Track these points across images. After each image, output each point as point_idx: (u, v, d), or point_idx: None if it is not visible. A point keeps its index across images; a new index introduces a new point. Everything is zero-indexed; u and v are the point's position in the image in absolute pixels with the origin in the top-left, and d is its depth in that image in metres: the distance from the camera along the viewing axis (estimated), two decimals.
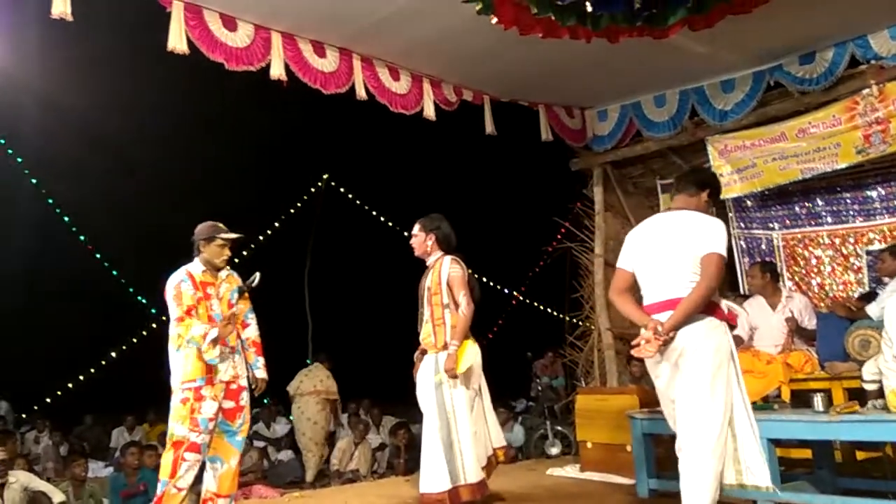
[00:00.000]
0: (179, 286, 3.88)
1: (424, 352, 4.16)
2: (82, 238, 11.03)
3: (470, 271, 4.26)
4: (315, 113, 9.54)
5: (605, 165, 7.25)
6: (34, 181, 10.79)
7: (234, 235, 4.05)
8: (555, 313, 11.62)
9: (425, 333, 4.14)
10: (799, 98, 5.74)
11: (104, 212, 11.51)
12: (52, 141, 10.64)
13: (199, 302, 3.90)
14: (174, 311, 3.86)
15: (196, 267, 4.00)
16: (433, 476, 3.87)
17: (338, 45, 5.14)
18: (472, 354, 4.04)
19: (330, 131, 11.43)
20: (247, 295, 4.18)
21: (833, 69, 5.44)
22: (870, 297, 5.41)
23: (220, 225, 4.07)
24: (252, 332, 4.19)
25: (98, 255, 11.18)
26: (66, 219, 10.93)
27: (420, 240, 4.24)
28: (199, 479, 4.00)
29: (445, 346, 4.01)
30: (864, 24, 5.24)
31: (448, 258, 4.15)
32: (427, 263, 4.25)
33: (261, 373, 4.13)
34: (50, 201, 10.88)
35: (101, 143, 11.01)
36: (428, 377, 4.04)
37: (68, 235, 10.99)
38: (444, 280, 4.09)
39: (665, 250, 3.14)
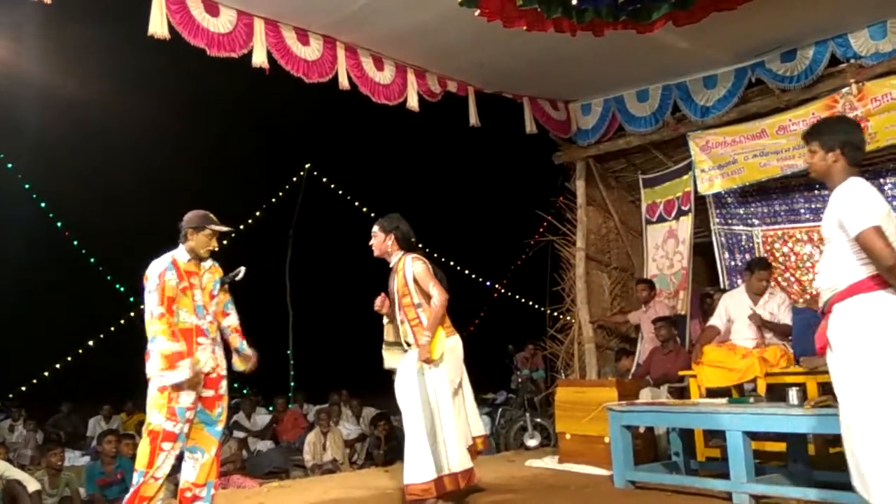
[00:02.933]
0: (164, 275, 3.80)
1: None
2: (59, 224, 10.87)
3: (441, 264, 4.30)
4: (297, 102, 9.48)
5: (588, 159, 7.28)
6: (9, 166, 10.60)
7: (224, 228, 3.99)
8: (536, 306, 11.67)
9: (403, 332, 4.16)
10: (780, 95, 5.80)
11: (82, 199, 11.37)
12: (29, 127, 10.47)
13: (184, 291, 3.84)
14: (153, 302, 3.76)
15: (181, 255, 3.93)
16: (418, 466, 3.88)
17: (321, 32, 5.09)
18: (444, 342, 4.07)
19: (312, 121, 11.36)
20: (226, 286, 4.15)
21: (814, 67, 5.50)
22: None
23: (212, 216, 4.00)
24: (233, 320, 4.14)
25: (76, 243, 11.02)
26: (43, 205, 10.76)
27: (380, 240, 4.25)
28: (176, 469, 3.97)
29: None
30: (845, 22, 5.30)
31: (409, 257, 4.16)
32: (390, 264, 4.26)
33: (248, 350, 4.10)
34: (26, 187, 10.70)
35: (80, 130, 10.85)
36: (410, 370, 4.05)
37: (46, 222, 10.83)
38: (410, 279, 4.11)
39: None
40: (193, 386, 3.76)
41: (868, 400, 2.61)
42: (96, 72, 10.01)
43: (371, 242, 4.28)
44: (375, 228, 4.28)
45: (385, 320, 4.37)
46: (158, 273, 3.80)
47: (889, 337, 2.60)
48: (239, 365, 4.12)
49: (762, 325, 5.05)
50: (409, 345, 4.12)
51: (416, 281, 4.09)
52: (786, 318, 5.07)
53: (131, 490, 3.74)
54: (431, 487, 3.85)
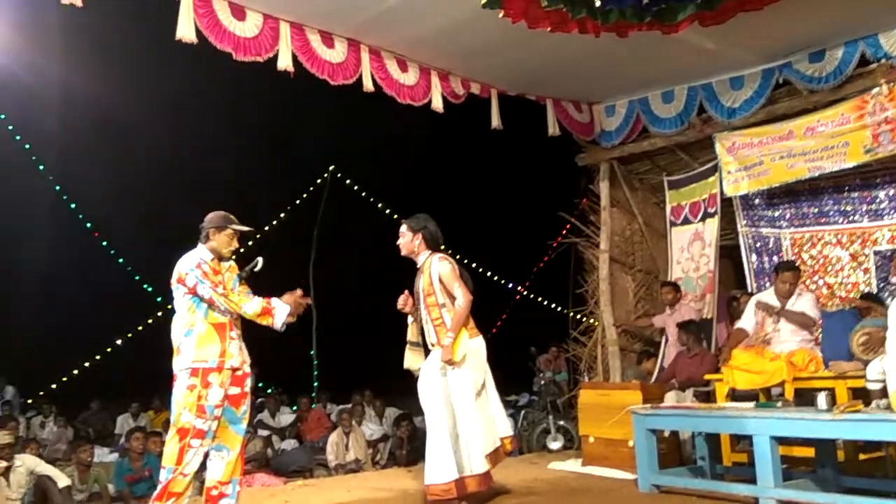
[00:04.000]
0: (201, 266, 3.87)
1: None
2: (89, 225, 11.07)
3: (464, 265, 4.33)
4: (322, 104, 9.55)
5: (612, 161, 7.24)
6: (41, 167, 10.83)
7: (245, 228, 4.06)
8: (559, 308, 11.62)
9: (428, 332, 4.18)
10: (807, 96, 5.72)
11: (111, 199, 11.57)
12: (60, 128, 10.69)
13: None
14: (207, 289, 3.82)
15: (205, 254, 4.00)
16: (439, 467, 3.89)
17: (346, 35, 5.14)
18: (466, 343, 4.07)
19: (336, 123, 11.44)
20: (244, 283, 4.21)
21: (843, 68, 5.41)
22: (871, 296, 5.40)
23: (232, 216, 4.07)
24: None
25: (105, 243, 11.22)
26: (73, 206, 10.96)
27: (407, 240, 4.26)
28: (202, 467, 4.03)
29: None
30: (875, 22, 5.21)
31: (436, 257, 4.18)
32: (417, 264, 4.27)
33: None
34: (57, 188, 10.92)
35: (109, 132, 11.06)
36: (433, 370, 4.06)
37: (75, 222, 11.03)
38: (436, 279, 4.12)
39: None
40: (222, 382, 3.83)
41: None
42: (128, 74, 10.19)
43: (399, 242, 4.29)
44: (403, 228, 4.30)
45: (410, 320, 4.38)
46: (196, 265, 3.87)
47: None
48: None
49: (784, 316, 4.95)
50: (432, 345, 4.13)
51: (441, 281, 4.10)
52: (814, 314, 4.98)
53: (160, 486, 3.80)
54: (452, 488, 3.86)
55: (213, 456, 3.95)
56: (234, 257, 4.13)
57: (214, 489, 3.94)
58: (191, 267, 3.89)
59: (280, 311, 3.83)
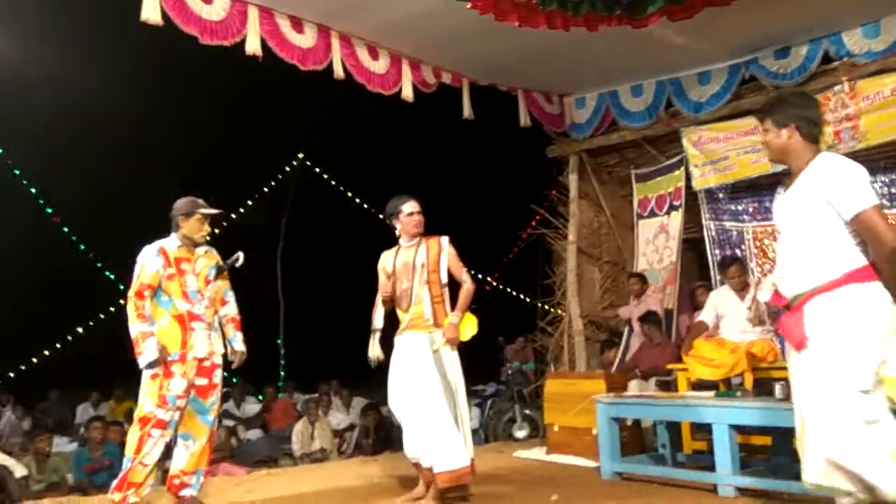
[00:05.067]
0: (144, 261, 3.87)
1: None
2: (49, 210, 10.79)
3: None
4: (291, 90, 9.43)
5: (581, 153, 7.30)
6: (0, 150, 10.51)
7: (213, 211, 4.02)
8: (527, 299, 11.71)
9: (417, 312, 4.03)
10: (772, 92, 5.81)
11: (73, 185, 11.28)
12: (19, 110, 10.37)
13: (171, 278, 3.88)
14: (133, 284, 3.84)
15: (171, 242, 3.97)
16: (451, 452, 3.78)
17: (316, 21, 5.07)
18: (473, 326, 4.06)
19: (306, 110, 11.31)
20: (226, 274, 4.16)
21: (807, 65, 5.52)
22: None
23: (200, 200, 4.03)
24: (230, 308, 4.18)
25: (66, 229, 10.95)
26: (33, 190, 10.68)
27: (422, 219, 4.18)
28: (166, 456, 3.98)
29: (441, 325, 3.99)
30: (839, 21, 5.32)
31: (445, 238, 4.14)
32: (405, 242, 4.18)
33: (239, 345, 4.12)
34: (16, 172, 10.61)
35: (71, 115, 10.77)
36: (424, 355, 3.94)
37: (35, 208, 10.75)
38: (444, 259, 4.07)
39: None
40: (185, 372, 3.78)
41: (847, 392, 2.40)
42: (87, 57, 9.93)
43: (417, 218, 4.13)
44: (418, 206, 4.17)
45: (378, 307, 4.28)
46: (142, 260, 3.87)
47: (877, 334, 2.40)
48: (230, 356, 4.14)
49: (759, 321, 5.08)
50: (427, 322, 4.00)
51: (449, 262, 4.07)
52: None
53: (119, 475, 3.76)
54: (468, 472, 3.83)
55: (179, 444, 3.93)
56: (207, 241, 4.06)
57: (177, 478, 3.91)
58: (140, 258, 3.89)
59: (146, 354, 3.72)
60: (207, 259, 4.05)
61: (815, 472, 2.52)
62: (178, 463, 3.92)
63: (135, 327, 3.76)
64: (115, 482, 3.79)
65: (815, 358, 2.50)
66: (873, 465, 2.36)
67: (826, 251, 2.50)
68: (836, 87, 5.36)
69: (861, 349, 2.41)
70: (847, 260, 2.47)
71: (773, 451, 4.39)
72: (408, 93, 5.61)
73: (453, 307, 4.09)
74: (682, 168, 6.48)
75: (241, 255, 4.10)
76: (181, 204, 3.99)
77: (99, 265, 10.98)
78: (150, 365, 3.74)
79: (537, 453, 5.73)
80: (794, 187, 2.63)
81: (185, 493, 3.94)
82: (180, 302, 3.87)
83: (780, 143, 2.63)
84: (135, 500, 3.77)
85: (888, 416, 2.42)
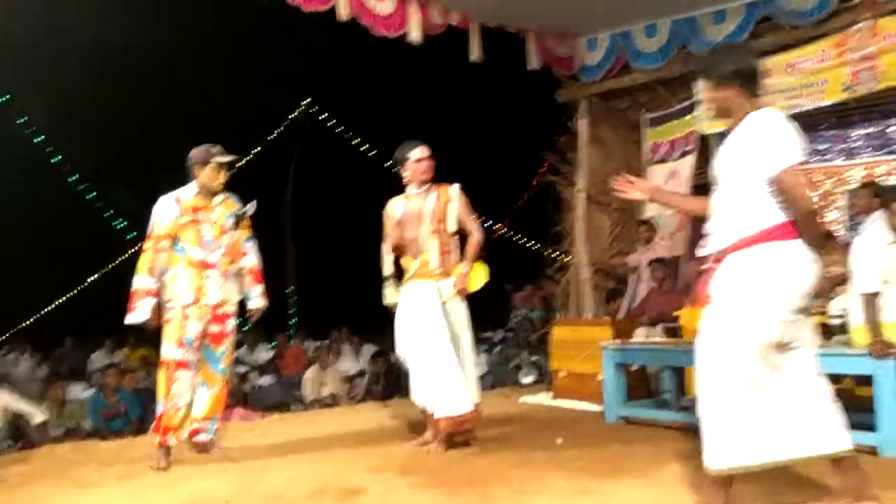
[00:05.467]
0: (159, 212, 3.87)
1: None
2: (58, 158, 10.77)
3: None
4: (294, 36, 9.24)
5: (592, 98, 7.15)
6: (7, 97, 10.43)
7: (229, 158, 3.97)
8: (536, 247, 11.68)
9: (424, 261, 4.01)
10: (790, 31, 5.64)
11: (82, 134, 11.24)
12: (27, 59, 10.25)
13: (187, 227, 3.87)
14: (149, 235, 3.86)
15: (188, 191, 3.94)
16: (454, 397, 3.83)
17: None
18: (483, 276, 4.06)
19: (312, 55, 11.11)
20: (246, 222, 4.14)
21: (826, 2, 5.32)
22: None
23: (215, 148, 3.96)
24: (250, 260, 4.14)
25: (75, 177, 10.95)
26: (42, 138, 10.64)
27: (432, 164, 4.13)
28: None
29: (449, 275, 3.99)
30: None
31: (456, 187, 4.08)
32: (414, 190, 4.14)
33: (256, 301, 4.13)
34: (23, 120, 10.55)
35: (79, 64, 10.65)
36: (431, 304, 3.94)
37: (44, 156, 10.73)
38: (453, 208, 4.03)
39: None
40: (199, 317, 3.83)
41: (734, 353, 2.40)
42: (93, 3, 9.73)
43: (428, 163, 4.08)
44: (428, 151, 4.11)
45: (387, 255, 4.26)
46: (156, 209, 3.88)
47: (787, 293, 2.38)
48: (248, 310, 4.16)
49: None
50: (435, 270, 3.98)
51: (460, 212, 4.04)
52: None
53: (155, 418, 3.86)
54: (471, 417, 3.89)
55: (198, 390, 3.99)
56: (224, 191, 4.03)
57: (192, 423, 3.99)
58: (155, 208, 3.89)
59: (138, 313, 3.73)
60: (225, 208, 4.01)
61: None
62: (196, 410, 4.00)
63: (138, 279, 3.77)
64: (153, 423, 3.90)
65: (718, 312, 2.48)
66: (716, 428, 2.41)
67: (749, 207, 2.47)
68: (857, 26, 5.17)
69: (764, 308, 2.38)
70: (767, 217, 2.44)
71: None
72: (415, 36, 5.47)
73: (461, 258, 4.07)
74: (695, 112, 6.33)
75: (253, 204, 4.09)
76: (196, 152, 3.94)
77: (111, 212, 11.02)
78: (136, 326, 3.76)
79: (543, 398, 5.80)
80: (728, 141, 2.58)
81: (201, 437, 4.04)
82: (194, 250, 3.87)
83: (722, 99, 2.59)
84: (174, 442, 3.86)
85: (775, 385, 2.41)
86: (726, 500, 2.49)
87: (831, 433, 2.45)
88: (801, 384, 2.45)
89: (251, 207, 4.08)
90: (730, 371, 2.40)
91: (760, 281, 2.40)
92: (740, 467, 2.43)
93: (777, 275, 2.39)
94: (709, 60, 2.67)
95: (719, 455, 2.42)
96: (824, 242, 2.44)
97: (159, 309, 3.82)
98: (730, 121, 2.60)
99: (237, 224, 4.05)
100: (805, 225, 2.39)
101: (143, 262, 3.80)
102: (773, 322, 2.38)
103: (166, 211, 3.86)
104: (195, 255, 3.87)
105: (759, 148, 2.43)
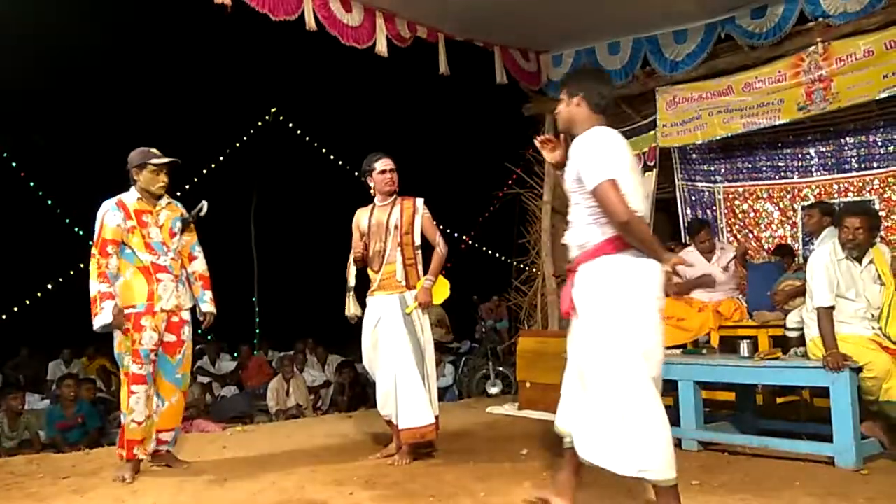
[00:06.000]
0: (104, 216, 3.79)
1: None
2: (14, 164, 10.51)
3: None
4: (264, 43, 9.19)
5: None
6: None
7: (166, 160, 3.87)
8: (502, 258, 11.76)
9: (388, 273, 4.04)
10: (748, 52, 5.80)
11: (40, 138, 10.98)
12: None
13: (132, 231, 3.80)
14: (95, 241, 3.78)
15: (130, 196, 3.87)
16: (417, 410, 3.88)
17: None
18: (445, 290, 4.10)
19: (279, 64, 11.06)
20: (193, 227, 4.07)
21: (782, 24, 5.50)
22: (784, 249, 5.66)
23: (154, 150, 3.89)
24: (199, 265, 4.09)
25: (32, 184, 10.69)
26: None
27: (396, 176, 4.14)
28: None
29: (413, 287, 4.02)
30: None
31: (420, 200, 4.11)
32: (380, 201, 4.16)
33: (207, 307, 4.06)
34: None
35: (39, 66, 10.41)
36: (394, 316, 3.97)
37: (1, 162, 10.45)
38: (419, 221, 4.06)
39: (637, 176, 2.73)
40: (155, 326, 3.76)
41: (609, 367, 2.50)
42: (52, 6, 9.55)
43: (391, 177, 4.10)
44: (391, 164, 4.13)
45: (351, 266, 4.28)
46: (100, 214, 3.80)
47: (625, 304, 2.49)
48: (199, 316, 4.09)
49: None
50: (398, 284, 4.01)
51: (423, 225, 4.06)
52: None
53: (119, 433, 3.83)
54: (433, 429, 3.93)
55: (154, 402, 3.92)
56: (166, 195, 3.97)
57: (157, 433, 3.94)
58: (99, 213, 3.81)
59: (102, 316, 3.66)
60: (170, 211, 3.96)
61: (562, 418, 2.76)
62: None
63: (94, 286, 3.70)
64: (118, 436, 3.86)
65: (587, 327, 2.58)
66: (644, 446, 2.45)
67: (586, 221, 2.59)
68: (811, 48, 5.36)
69: (617, 323, 2.49)
70: (600, 231, 2.56)
71: (737, 407, 4.52)
72: (382, 48, 5.48)
73: (426, 270, 4.09)
74: (657, 128, 6.47)
75: (205, 204, 4.02)
76: (133, 155, 3.87)
77: (67, 221, 10.77)
78: (104, 328, 3.69)
79: (509, 409, 5.84)
80: (570, 157, 2.67)
81: (160, 448, 3.97)
82: (143, 254, 3.80)
83: (568, 111, 2.70)
84: (143, 456, 3.81)
85: (643, 393, 2.48)
86: None
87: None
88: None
89: (203, 208, 4.02)
90: (627, 383, 2.46)
91: (605, 296, 2.51)
92: (668, 479, 2.46)
93: (617, 288, 2.50)
94: (571, 74, 2.83)
95: (666, 464, 2.46)
96: (657, 250, 2.51)
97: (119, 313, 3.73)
98: (573, 133, 2.70)
99: (184, 228, 4.00)
100: (627, 236, 2.49)
101: (94, 268, 3.71)
102: (634, 331, 2.48)
103: (110, 216, 3.78)
104: (144, 259, 3.80)
105: (581, 163, 2.55)
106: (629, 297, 2.49)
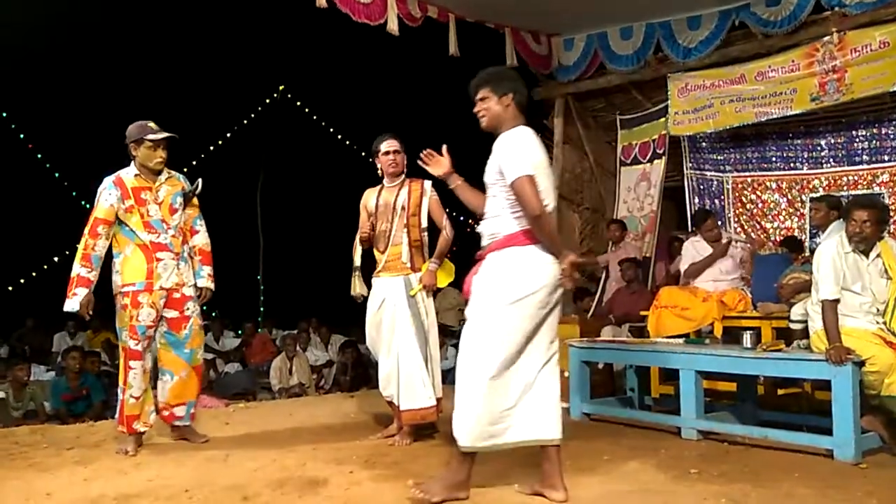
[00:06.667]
0: (100, 195, 3.74)
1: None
2: (21, 137, 10.52)
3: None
4: (273, 20, 9.13)
5: (567, 97, 7.21)
6: None
7: (163, 135, 3.77)
8: None
9: (394, 254, 4.02)
10: (762, 40, 5.74)
11: (49, 113, 10.97)
12: None
13: (130, 210, 3.74)
14: (89, 219, 3.73)
15: (129, 172, 3.80)
16: (419, 391, 3.89)
17: None
18: (450, 274, 4.10)
19: (288, 40, 10.98)
20: (195, 201, 4.01)
21: (797, 13, 5.44)
22: (792, 242, 5.62)
23: (151, 124, 3.79)
24: (200, 239, 4.03)
25: (39, 156, 10.71)
26: (4, 115, 10.37)
27: (401, 157, 4.09)
28: (156, 385, 4.01)
29: (419, 269, 4.01)
30: None
31: (429, 182, 4.08)
32: (388, 182, 4.14)
33: (204, 282, 3.99)
34: None
35: (44, 40, 10.36)
36: (399, 297, 3.96)
37: (8, 133, 10.47)
38: (426, 203, 4.04)
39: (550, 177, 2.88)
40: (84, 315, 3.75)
41: (468, 346, 2.74)
42: None
43: (397, 158, 4.07)
44: (398, 145, 4.10)
45: (357, 247, 4.27)
46: (99, 193, 3.76)
47: (525, 292, 2.67)
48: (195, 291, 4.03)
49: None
50: (404, 265, 3.99)
51: (430, 207, 4.04)
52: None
53: (119, 406, 3.82)
54: (434, 411, 3.93)
55: (160, 380, 3.94)
56: (166, 170, 3.92)
57: (165, 409, 3.96)
58: (98, 190, 3.77)
59: (72, 301, 3.64)
60: (170, 186, 3.87)
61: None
62: (161, 396, 3.95)
63: (75, 267, 3.66)
64: (117, 410, 3.84)
65: (474, 309, 2.79)
66: (466, 411, 2.71)
67: (500, 213, 2.78)
68: (826, 38, 5.29)
69: (507, 307, 2.68)
70: (512, 223, 2.74)
71: (738, 397, 4.53)
72: (393, 26, 5.45)
73: (431, 252, 4.09)
74: (667, 115, 6.42)
75: (199, 182, 3.97)
76: (130, 130, 3.77)
77: (74, 194, 10.80)
78: (71, 312, 3.68)
79: None
80: (493, 152, 2.83)
81: (177, 423, 3.99)
82: (142, 233, 3.75)
83: (498, 110, 2.84)
84: (143, 429, 3.82)
85: (513, 375, 2.71)
86: (468, 475, 2.80)
87: (545, 423, 2.76)
88: (533, 376, 2.75)
89: (198, 186, 3.97)
90: (479, 364, 2.71)
91: (504, 282, 2.71)
92: (482, 447, 2.75)
93: (517, 277, 2.69)
94: (493, 73, 2.94)
95: (468, 434, 2.72)
96: (558, 246, 2.70)
97: (93, 299, 3.69)
98: (498, 131, 2.84)
99: (186, 203, 3.93)
100: (536, 230, 2.68)
101: (80, 248, 3.67)
102: (513, 320, 2.68)
103: (105, 194, 3.72)
104: (144, 237, 3.75)
105: (501, 159, 2.73)
106: (520, 286, 2.68)
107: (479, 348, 2.72)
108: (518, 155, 2.69)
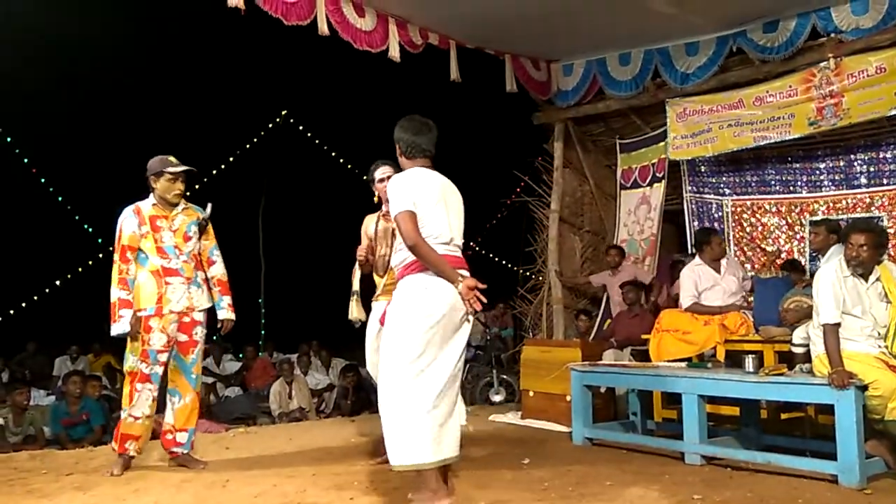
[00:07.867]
0: (122, 224, 3.92)
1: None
2: (26, 161, 10.59)
3: None
4: (276, 46, 9.24)
5: (567, 121, 7.27)
6: None
7: (182, 168, 3.98)
8: (508, 266, 11.76)
9: (393, 279, 4.02)
10: (759, 66, 5.81)
11: (52, 138, 11.07)
12: None
13: (146, 236, 3.91)
14: (116, 247, 3.90)
15: (147, 202, 3.99)
16: None
17: None
18: None
19: (290, 67, 11.11)
20: (210, 231, 4.14)
21: (794, 39, 5.50)
22: (792, 264, 5.62)
23: (171, 158, 4.00)
24: (217, 269, 4.16)
25: (43, 181, 10.77)
26: (9, 140, 10.45)
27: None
28: (159, 409, 4.04)
29: None
30: None
31: None
32: (386, 208, 4.15)
33: (224, 313, 4.12)
34: None
35: (51, 67, 10.50)
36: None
37: (13, 158, 10.54)
38: None
39: (456, 209, 3.14)
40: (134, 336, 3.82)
41: (383, 372, 2.92)
42: (65, 7, 9.64)
43: (383, 186, 4.08)
44: (390, 170, 4.08)
45: (357, 270, 4.28)
46: (119, 222, 3.92)
47: (405, 317, 2.87)
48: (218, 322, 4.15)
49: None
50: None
51: None
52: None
53: (116, 427, 3.90)
54: None
55: (168, 399, 4.01)
56: (183, 201, 4.03)
57: (169, 433, 4.02)
58: (119, 221, 3.92)
59: (120, 324, 3.77)
60: (186, 216, 4.04)
61: None
62: (168, 418, 4.02)
63: (114, 292, 3.81)
64: (114, 433, 3.92)
65: (384, 335, 3.00)
66: (390, 433, 2.84)
67: (402, 247, 3.00)
68: (822, 63, 5.35)
69: (403, 332, 2.88)
70: (409, 254, 2.96)
71: (741, 422, 4.50)
72: (394, 53, 5.52)
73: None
74: (667, 139, 6.47)
75: (209, 206, 4.12)
76: (151, 163, 3.98)
77: (77, 218, 10.84)
78: (120, 336, 3.79)
79: (512, 417, 5.82)
80: None
81: (177, 450, 4.01)
82: (154, 258, 3.91)
83: (400, 159, 3.18)
84: (134, 453, 3.88)
85: (396, 392, 2.84)
86: (436, 482, 2.84)
87: (452, 441, 2.90)
88: (438, 394, 2.86)
89: (207, 210, 4.11)
90: (391, 386, 2.87)
91: (400, 309, 2.93)
92: (411, 466, 2.83)
93: (410, 303, 2.90)
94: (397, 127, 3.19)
95: (397, 455, 2.83)
96: (446, 271, 2.89)
97: (136, 322, 3.83)
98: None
99: (202, 232, 4.06)
100: (418, 258, 2.90)
101: (115, 274, 3.84)
102: (409, 343, 2.85)
103: (127, 223, 3.91)
104: (156, 262, 3.90)
105: (389, 198, 3.00)
106: (410, 311, 2.88)
107: (385, 373, 2.90)
108: (395, 194, 2.94)
